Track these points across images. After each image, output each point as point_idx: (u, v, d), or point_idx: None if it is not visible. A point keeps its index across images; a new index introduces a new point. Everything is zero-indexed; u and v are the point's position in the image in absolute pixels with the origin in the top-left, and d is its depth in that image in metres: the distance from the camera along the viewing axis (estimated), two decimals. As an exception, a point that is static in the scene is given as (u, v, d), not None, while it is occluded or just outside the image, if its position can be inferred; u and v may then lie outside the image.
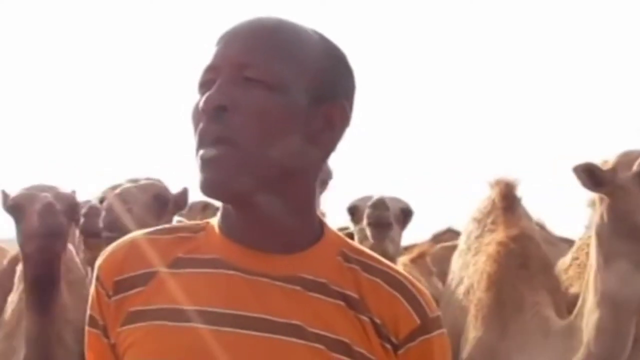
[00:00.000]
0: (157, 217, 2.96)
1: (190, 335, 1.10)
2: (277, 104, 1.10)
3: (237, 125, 1.08)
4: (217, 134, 1.09)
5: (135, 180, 3.13)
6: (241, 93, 1.09)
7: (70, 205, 3.15)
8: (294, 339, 1.10)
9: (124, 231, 2.65)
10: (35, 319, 3.19)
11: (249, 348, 1.09)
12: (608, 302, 2.76)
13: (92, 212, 3.07)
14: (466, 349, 3.19)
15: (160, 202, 3.06)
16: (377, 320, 1.13)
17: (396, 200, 3.40)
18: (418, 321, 1.14)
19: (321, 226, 1.20)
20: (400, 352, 1.13)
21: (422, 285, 1.20)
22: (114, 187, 3.12)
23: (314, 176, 1.18)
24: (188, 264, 1.16)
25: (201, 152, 1.10)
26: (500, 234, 3.34)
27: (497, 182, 3.50)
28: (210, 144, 1.09)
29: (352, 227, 3.47)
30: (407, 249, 4.07)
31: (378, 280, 1.16)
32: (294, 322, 1.10)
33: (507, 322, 3.12)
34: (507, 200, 3.43)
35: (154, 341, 1.11)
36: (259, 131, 1.08)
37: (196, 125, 1.11)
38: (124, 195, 2.98)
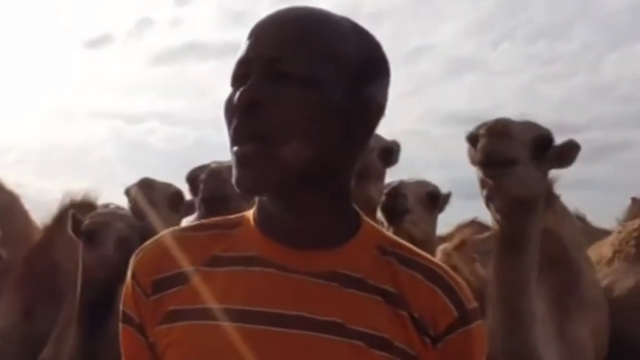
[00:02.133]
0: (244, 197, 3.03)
1: (231, 335, 1.09)
2: (311, 99, 1.08)
3: (271, 121, 1.07)
4: (251, 130, 1.07)
5: (220, 163, 3.17)
6: (274, 88, 1.07)
7: (142, 237, 3.15)
8: (333, 337, 1.09)
9: (226, 201, 2.87)
10: (84, 339, 3.26)
11: (290, 346, 1.09)
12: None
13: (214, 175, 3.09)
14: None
15: None
16: (415, 315, 1.13)
17: (420, 184, 3.35)
18: (456, 314, 1.14)
19: (357, 218, 1.19)
20: (439, 344, 1.13)
21: (459, 277, 1.20)
22: (204, 166, 3.21)
23: (350, 169, 1.17)
24: (225, 262, 1.15)
25: (236, 148, 1.09)
26: None
27: None
28: (245, 140, 1.08)
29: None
30: (445, 238, 4.02)
31: (415, 272, 1.15)
32: (333, 319, 1.10)
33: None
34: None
35: (194, 340, 1.11)
36: (293, 127, 1.07)
37: (230, 120, 1.10)
38: (221, 170, 3.00)
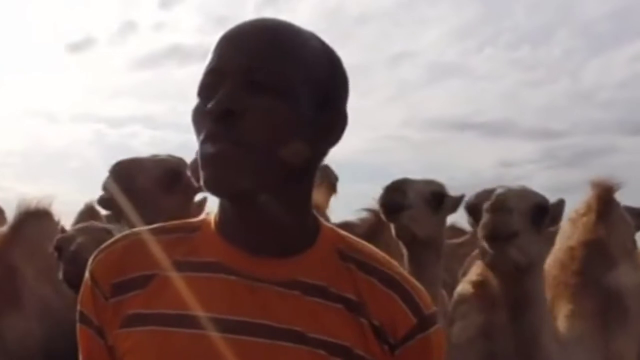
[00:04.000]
0: (168, 191, 2.87)
1: (192, 341, 1.09)
2: (285, 110, 1.09)
3: (244, 129, 1.07)
4: (224, 135, 1.07)
5: (155, 155, 3.09)
6: (250, 98, 1.08)
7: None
8: (294, 345, 1.09)
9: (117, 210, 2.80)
10: None
11: (251, 354, 1.09)
12: None
13: None
14: None
15: (171, 177, 2.94)
16: (375, 322, 1.13)
17: (426, 182, 3.21)
18: (414, 320, 1.14)
19: (316, 223, 1.19)
20: (397, 352, 1.13)
21: (416, 282, 1.20)
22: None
23: (312, 178, 1.18)
24: (187, 267, 1.14)
25: (207, 149, 1.08)
26: (573, 239, 3.31)
27: (597, 184, 3.37)
28: (217, 143, 1.07)
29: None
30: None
31: (373, 279, 1.15)
32: (294, 328, 1.10)
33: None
34: (603, 204, 3.34)
35: (156, 346, 1.10)
36: (265, 136, 1.08)
37: (199, 126, 1.10)
38: (129, 165, 2.92)
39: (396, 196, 3.10)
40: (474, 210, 2.91)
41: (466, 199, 3.09)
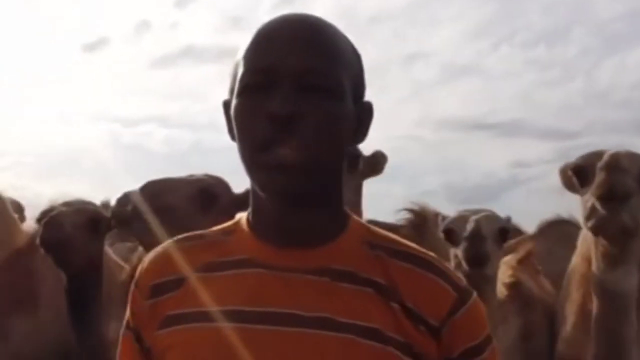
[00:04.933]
0: (202, 212, 2.84)
1: (223, 335, 1.12)
2: (341, 112, 1.13)
3: (306, 131, 1.09)
4: (285, 139, 1.09)
5: (192, 175, 3.04)
6: (308, 100, 1.10)
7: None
8: (323, 331, 1.11)
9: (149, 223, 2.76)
10: (73, 332, 3.22)
11: (281, 344, 1.11)
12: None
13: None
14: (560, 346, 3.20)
15: (205, 197, 2.90)
16: (409, 305, 1.14)
17: (493, 219, 3.03)
18: (455, 294, 1.16)
19: (345, 215, 1.22)
20: (445, 329, 1.14)
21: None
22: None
23: (342, 171, 1.21)
24: (219, 267, 1.18)
25: (273, 156, 1.09)
26: None
27: None
28: (279, 148, 1.09)
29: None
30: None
31: (406, 264, 1.17)
32: (323, 314, 1.12)
33: None
34: None
35: (190, 343, 1.14)
36: (325, 137, 1.11)
37: (250, 126, 1.11)
38: (158, 185, 2.89)
39: (482, 248, 2.89)
40: (580, 172, 2.82)
41: (570, 161, 2.95)
